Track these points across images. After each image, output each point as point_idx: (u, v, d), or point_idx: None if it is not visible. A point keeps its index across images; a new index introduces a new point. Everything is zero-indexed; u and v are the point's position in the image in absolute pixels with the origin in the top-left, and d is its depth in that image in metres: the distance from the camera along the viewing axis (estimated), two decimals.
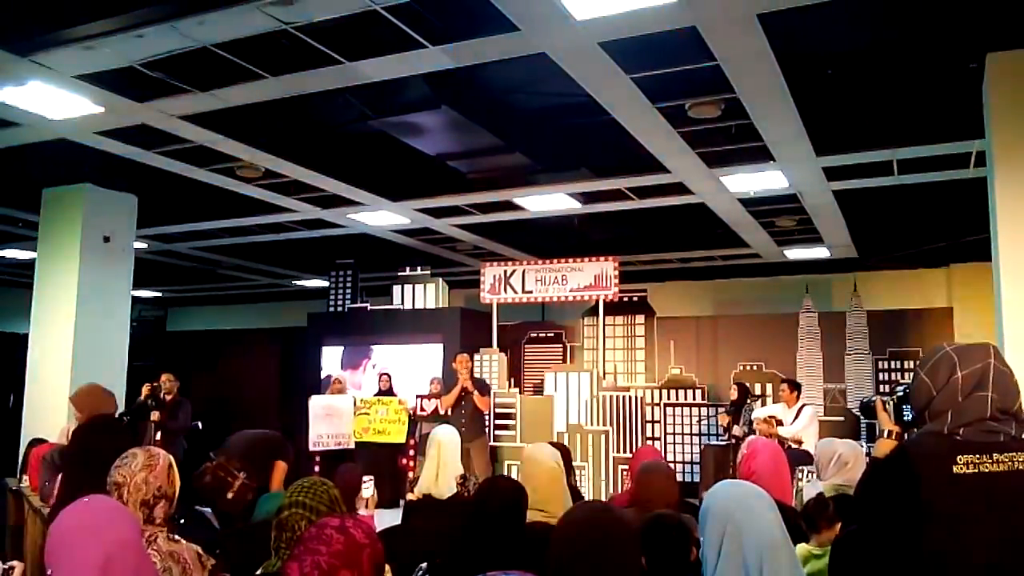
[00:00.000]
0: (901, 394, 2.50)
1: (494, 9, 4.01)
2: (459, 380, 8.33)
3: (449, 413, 8.35)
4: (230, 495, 4.87)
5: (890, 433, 2.45)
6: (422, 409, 9.10)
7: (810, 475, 4.05)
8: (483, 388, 8.51)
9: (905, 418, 2.49)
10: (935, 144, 6.04)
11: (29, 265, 8.49)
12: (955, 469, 1.83)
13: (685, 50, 4.57)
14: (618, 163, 6.92)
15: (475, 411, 8.30)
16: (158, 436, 7.64)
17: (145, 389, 7.89)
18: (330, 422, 8.95)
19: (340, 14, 4.14)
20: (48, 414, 7.15)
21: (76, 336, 7.35)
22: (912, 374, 2.07)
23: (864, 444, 9.48)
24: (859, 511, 2.15)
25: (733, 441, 8.26)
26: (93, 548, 1.71)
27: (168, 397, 7.96)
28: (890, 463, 1.99)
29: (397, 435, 8.88)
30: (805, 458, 6.25)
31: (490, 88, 5.89)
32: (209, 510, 4.67)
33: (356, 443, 8.93)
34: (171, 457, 2.44)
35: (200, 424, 8.42)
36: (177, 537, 2.32)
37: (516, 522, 2.65)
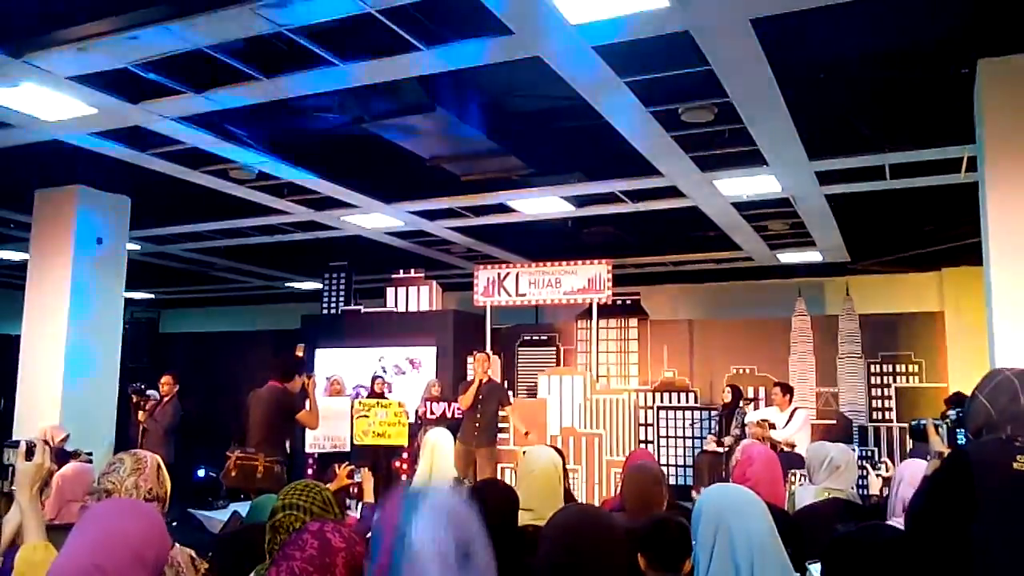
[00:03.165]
0: (954, 418, 2.76)
1: (488, 13, 4.02)
2: (475, 378, 7.90)
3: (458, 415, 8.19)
4: (259, 475, 5.29)
5: (941, 455, 2.60)
6: (431, 413, 8.81)
7: (802, 479, 4.05)
8: (504, 397, 8.18)
9: (959, 442, 2.84)
10: (927, 149, 6.07)
11: (21, 267, 8.45)
12: (1015, 466, 2.08)
13: (679, 54, 4.59)
14: (612, 166, 6.94)
15: (492, 417, 7.93)
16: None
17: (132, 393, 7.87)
18: (326, 424, 8.91)
19: (334, 16, 4.14)
20: (40, 416, 7.11)
21: (69, 338, 7.31)
22: (969, 398, 2.33)
23: (856, 448, 9.53)
24: (916, 511, 2.28)
25: (725, 448, 8.24)
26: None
27: (166, 399, 8.00)
28: (951, 463, 2.22)
29: (398, 437, 8.82)
30: (797, 461, 6.25)
31: (484, 91, 5.91)
32: (204, 512, 4.73)
33: (356, 444, 8.88)
34: (158, 458, 2.43)
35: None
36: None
37: (508, 525, 2.66)
